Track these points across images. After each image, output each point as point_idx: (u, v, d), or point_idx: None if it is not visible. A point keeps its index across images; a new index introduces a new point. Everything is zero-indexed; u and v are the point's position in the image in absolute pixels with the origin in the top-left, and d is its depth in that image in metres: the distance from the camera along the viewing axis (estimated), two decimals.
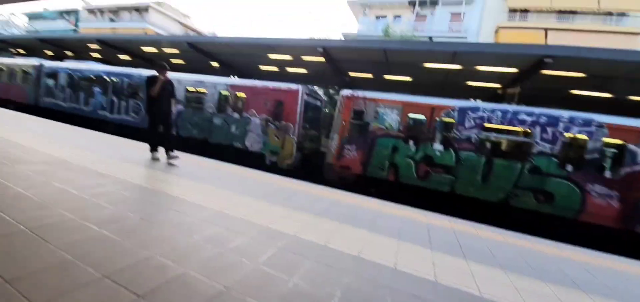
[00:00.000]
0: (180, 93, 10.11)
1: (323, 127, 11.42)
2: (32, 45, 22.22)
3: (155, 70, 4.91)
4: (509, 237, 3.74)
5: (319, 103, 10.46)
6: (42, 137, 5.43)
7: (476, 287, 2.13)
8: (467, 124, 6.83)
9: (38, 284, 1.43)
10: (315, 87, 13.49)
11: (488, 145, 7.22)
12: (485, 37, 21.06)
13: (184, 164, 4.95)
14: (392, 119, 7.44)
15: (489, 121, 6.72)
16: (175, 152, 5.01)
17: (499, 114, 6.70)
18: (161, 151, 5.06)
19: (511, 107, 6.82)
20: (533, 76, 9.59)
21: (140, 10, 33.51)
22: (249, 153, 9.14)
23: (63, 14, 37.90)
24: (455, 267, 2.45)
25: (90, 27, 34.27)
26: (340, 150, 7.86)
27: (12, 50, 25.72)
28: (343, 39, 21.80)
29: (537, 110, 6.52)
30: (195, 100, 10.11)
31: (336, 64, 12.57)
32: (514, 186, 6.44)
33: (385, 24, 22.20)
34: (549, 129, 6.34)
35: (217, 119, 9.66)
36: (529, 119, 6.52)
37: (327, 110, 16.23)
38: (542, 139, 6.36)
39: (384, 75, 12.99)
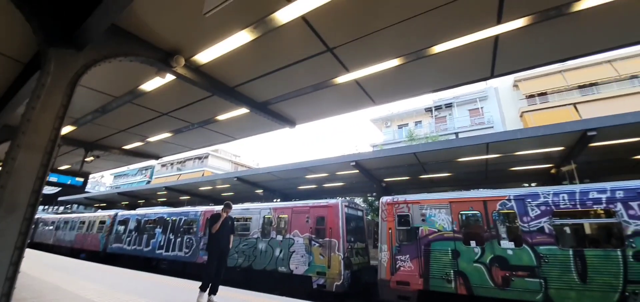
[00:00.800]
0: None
1: (369, 236, 10.74)
2: (113, 199, 26.19)
3: (223, 208, 5.22)
4: None
5: (360, 213, 10.17)
6: (107, 287, 5.63)
7: None
8: (532, 214, 5.96)
9: None
10: (355, 199, 13.44)
11: (567, 234, 6.05)
12: (511, 123, 20.92)
13: (226, 299, 4.65)
14: (442, 219, 6.79)
15: (556, 206, 5.83)
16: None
17: (566, 196, 5.84)
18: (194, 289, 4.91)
19: (578, 187, 5.98)
20: (583, 150, 8.79)
21: (201, 158, 39.85)
22: (294, 277, 8.52)
23: (141, 170, 45.85)
24: None
25: (161, 177, 40.58)
26: (393, 262, 7.02)
27: (96, 205, 30.41)
28: (371, 150, 22.96)
29: (608, 185, 5.62)
30: (240, 227, 10.39)
31: (369, 173, 12.84)
32: (626, 281, 4.96)
33: (409, 130, 23.45)
34: (635, 203, 5.28)
35: (261, 243, 9.60)
36: (603, 196, 5.58)
37: (369, 217, 15.65)
38: (629, 216, 5.25)
39: (420, 175, 12.80)
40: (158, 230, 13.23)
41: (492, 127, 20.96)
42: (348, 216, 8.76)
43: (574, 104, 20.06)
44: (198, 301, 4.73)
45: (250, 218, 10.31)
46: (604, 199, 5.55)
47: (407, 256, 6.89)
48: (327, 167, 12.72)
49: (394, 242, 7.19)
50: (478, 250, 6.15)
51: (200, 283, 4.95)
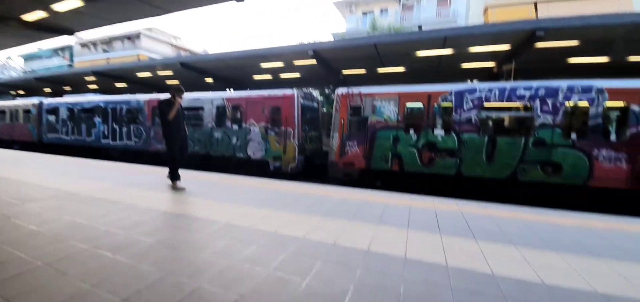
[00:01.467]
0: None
1: (323, 127, 11.46)
2: (31, 86, 22.54)
3: (171, 93, 4.68)
4: (519, 212, 3.74)
5: (315, 104, 10.49)
6: (49, 173, 5.52)
7: (488, 267, 2.14)
8: (466, 106, 6.81)
9: None
10: (311, 90, 13.52)
11: (489, 125, 7.20)
12: (475, 19, 20.96)
13: (190, 181, 4.99)
14: (390, 110, 7.44)
15: (487, 100, 6.70)
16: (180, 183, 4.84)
17: (497, 92, 6.67)
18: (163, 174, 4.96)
19: (508, 84, 6.79)
20: (527, 51, 9.55)
21: (132, 38, 33.82)
22: (253, 162, 9.20)
23: (57, 51, 38.36)
24: (466, 249, 2.46)
25: (85, 60, 34.64)
26: (342, 147, 7.88)
27: (12, 92, 26.11)
28: (332, 40, 21.84)
29: (534, 83, 6.48)
30: (193, 117, 10.19)
31: (328, 64, 12.61)
32: (520, 161, 6.40)
33: (372, 19, 22.21)
34: (549, 101, 6.30)
35: (218, 132, 9.74)
36: (527, 93, 6.49)
37: (325, 110, 16.27)
38: (542, 111, 6.33)
39: (377, 69, 13.01)
40: (98, 119, 12.40)
41: (455, 21, 20.85)
42: (303, 107, 9.03)
43: (535, 3, 20.32)
44: (176, 187, 4.55)
45: (202, 108, 10.05)
46: (527, 95, 6.46)
47: (355, 142, 7.74)
48: (284, 56, 12.09)
49: (345, 130, 7.88)
50: (415, 137, 7.13)
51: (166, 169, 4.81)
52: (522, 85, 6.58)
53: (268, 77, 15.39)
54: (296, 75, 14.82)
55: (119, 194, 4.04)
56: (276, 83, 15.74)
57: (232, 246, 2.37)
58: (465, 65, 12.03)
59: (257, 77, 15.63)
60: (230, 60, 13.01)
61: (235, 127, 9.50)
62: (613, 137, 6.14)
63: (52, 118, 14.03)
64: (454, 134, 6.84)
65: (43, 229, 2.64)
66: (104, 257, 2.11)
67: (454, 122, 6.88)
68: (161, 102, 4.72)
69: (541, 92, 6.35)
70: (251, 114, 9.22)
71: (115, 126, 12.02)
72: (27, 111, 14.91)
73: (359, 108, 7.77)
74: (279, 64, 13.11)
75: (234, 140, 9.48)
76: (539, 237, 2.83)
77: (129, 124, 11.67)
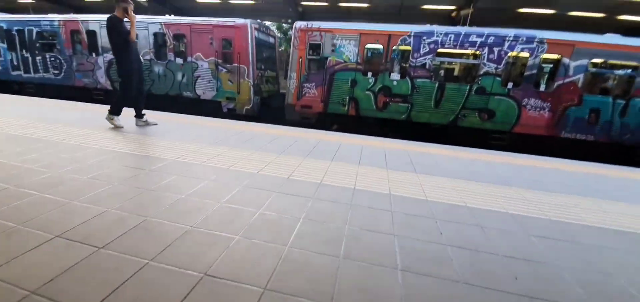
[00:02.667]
0: (102, 38, 8.73)
1: (281, 67, 10.96)
2: None
3: (119, 8, 3.84)
4: (457, 152, 4.25)
5: (272, 40, 9.83)
6: None
7: (423, 194, 2.47)
8: (422, 51, 7.03)
9: None
10: (267, 23, 12.59)
11: (441, 71, 7.62)
12: None
13: (128, 118, 4.52)
14: (350, 51, 7.35)
15: (443, 46, 6.98)
16: (147, 113, 4.40)
17: (452, 37, 6.95)
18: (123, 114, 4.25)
19: (464, 29, 7.08)
20: None
21: None
22: (203, 102, 8.60)
23: None
24: (407, 180, 2.78)
25: None
26: (300, 89, 7.74)
27: None
28: None
29: (487, 30, 6.86)
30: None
31: None
32: (462, 108, 7.06)
33: None
34: (496, 49, 6.80)
35: (158, 66, 8.69)
36: (478, 40, 6.88)
37: (282, 49, 15.43)
38: (489, 59, 6.85)
39: (340, 3, 12.41)
40: (2, 46, 10.02)
41: None
42: (258, 41, 8.40)
43: None
44: (114, 124, 4.01)
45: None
46: (478, 42, 6.85)
47: (313, 84, 7.64)
48: None
49: (303, 71, 7.66)
50: (372, 80, 7.28)
51: (107, 107, 4.17)
52: (476, 32, 6.93)
53: (216, 1, 13.69)
54: (250, 2, 13.43)
55: (40, 130, 3.53)
56: (227, 10, 14.15)
57: (181, 181, 2.33)
58: (427, 7, 12.11)
59: (201, 0, 13.78)
60: None
61: (180, 61, 8.53)
62: (542, 88, 7.04)
63: None
64: (408, 80, 7.14)
65: None
66: (30, 196, 1.92)
67: (410, 67, 7.12)
68: (110, 20, 3.84)
69: (490, 40, 6.80)
70: (197, 46, 8.29)
71: (25, 54, 9.89)
72: None
73: (319, 46, 7.51)
74: None
75: (179, 76, 8.60)
76: (469, 170, 3.31)
77: (43, 51, 9.68)
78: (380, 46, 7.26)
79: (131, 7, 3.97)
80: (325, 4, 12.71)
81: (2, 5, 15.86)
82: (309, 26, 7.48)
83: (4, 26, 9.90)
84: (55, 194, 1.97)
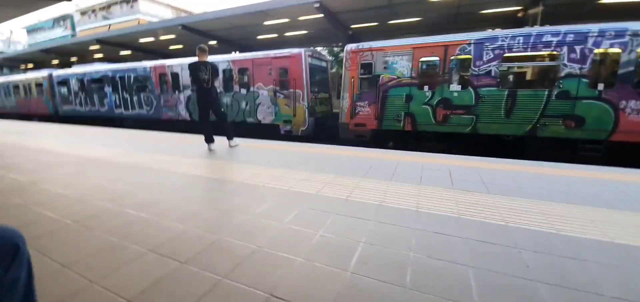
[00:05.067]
0: (183, 78, 10.19)
1: (333, 88, 11.24)
2: (38, 58, 22.82)
3: (199, 53, 4.72)
4: (539, 167, 3.68)
5: (324, 64, 10.20)
6: (68, 141, 5.78)
7: (501, 218, 2.16)
8: (485, 58, 6.44)
9: (92, 264, 1.62)
10: (319, 49, 13.08)
11: (510, 77, 6.84)
12: None
13: (200, 144, 5.11)
14: (403, 66, 7.15)
15: (509, 50, 6.29)
16: (236, 140, 5.13)
17: (521, 39, 6.22)
18: (219, 141, 5.07)
19: (535, 30, 6.30)
20: None
21: (129, 1, 32.95)
22: (263, 126, 9.27)
23: (58, 20, 38.09)
24: (479, 202, 2.48)
25: (87, 29, 34.37)
26: (353, 108, 7.77)
27: (22, 66, 26.61)
28: None
29: (564, 28, 5.98)
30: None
31: (336, 18, 12.01)
32: (541, 116, 6.15)
33: None
34: (578, 48, 5.85)
35: (226, 98, 9.74)
36: (555, 39, 6.02)
37: (334, 70, 15.84)
38: (570, 59, 5.91)
39: (389, 21, 12.30)
40: (108, 89, 12.55)
41: None
42: (312, 67, 8.80)
43: None
44: (209, 149, 4.88)
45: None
46: (554, 42, 6.00)
47: (366, 101, 7.59)
48: (287, 10, 11.57)
49: (355, 90, 7.70)
50: (429, 94, 6.90)
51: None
52: (549, 31, 6.10)
53: (273, 35, 14.92)
54: (302, 32, 14.28)
55: (138, 158, 4.22)
56: (282, 42, 15.28)
57: (247, 202, 2.49)
58: (487, 12, 11.18)
59: (261, 37, 15.19)
60: (232, 17, 12.60)
61: (244, 91, 9.44)
62: None
63: (64, 90, 14.28)
64: (471, 89, 6.56)
65: (68, 191, 2.83)
66: (128, 215, 2.27)
67: (472, 76, 6.56)
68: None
69: (569, 38, 5.88)
70: (258, 76, 9.09)
71: (125, 95, 12.17)
72: (39, 84, 15.21)
73: (370, 65, 7.50)
74: (284, 21, 12.61)
75: (243, 105, 9.49)
76: (557, 189, 2.81)
77: (138, 92, 11.78)
78: (436, 58, 6.90)
79: (201, 55, 4.73)
80: (374, 24, 12.74)
81: (107, 56, 19.93)
82: (360, 47, 7.56)
83: (109, 74, 12.38)
84: (149, 214, 2.28)
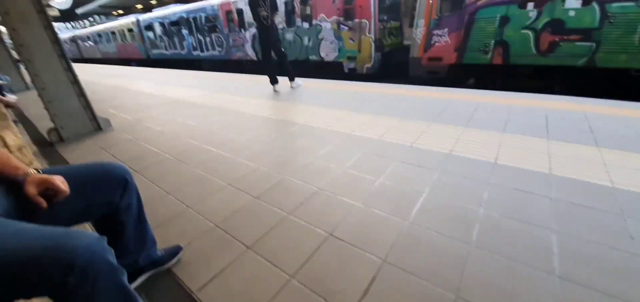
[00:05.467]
0: (247, 15, 10.37)
1: (405, 14, 10.05)
2: (126, 3, 26.04)
3: None
4: None
5: None
6: (158, 84, 6.83)
7: (608, 178, 1.82)
8: None
9: (186, 193, 2.04)
10: None
11: None
12: None
13: (266, 85, 5.41)
14: None
15: None
16: (298, 80, 5.31)
17: None
18: (282, 81, 5.26)
19: None
20: None
21: None
22: (327, 63, 9.13)
23: None
24: (582, 156, 2.10)
25: None
26: (428, 38, 6.89)
27: (114, 13, 30.96)
28: None
29: None
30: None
31: None
32: None
33: None
34: None
35: (288, 34, 9.72)
36: None
37: None
38: None
39: None
40: (185, 31, 13.73)
41: None
42: None
43: None
44: (274, 90, 5.15)
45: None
46: None
47: (446, 30, 6.61)
48: None
49: (433, 15, 6.72)
50: (534, 14, 5.57)
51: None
52: None
53: None
54: None
55: (214, 100, 4.78)
56: None
57: (309, 145, 2.65)
58: None
59: None
60: None
61: (306, 25, 9.22)
62: None
63: (150, 34, 16.28)
64: (595, 6, 5.02)
65: (164, 129, 3.45)
66: (210, 151, 2.68)
67: None
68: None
69: None
70: (321, 6, 8.65)
71: (199, 36, 13.19)
72: (130, 30, 17.59)
73: None
74: None
75: (306, 40, 9.36)
76: None
77: (210, 33, 12.59)
78: None
79: None
80: None
81: None
82: None
83: (185, 16, 13.37)
84: (226, 151, 2.66)
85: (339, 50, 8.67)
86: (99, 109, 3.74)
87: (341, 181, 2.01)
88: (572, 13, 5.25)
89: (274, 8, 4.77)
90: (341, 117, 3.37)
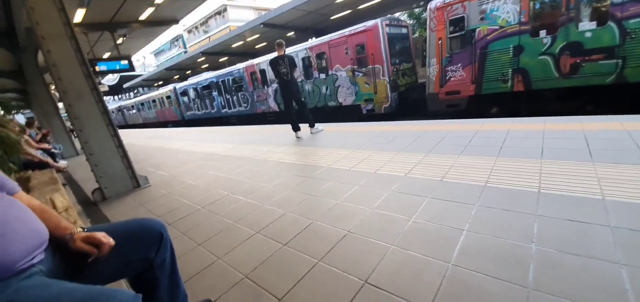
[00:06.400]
0: (269, 73, 11.14)
1: (417, 55, 10.29)
2: (163, 76, 29.05)
3: (277, 48, 5.02)
4: None
5: (404, 30, 9.36)
6: (193, 141, 7.23)
7: None
8: None
9: (217, 243, 2.00)
10: (397, 15, 12.13)
11: None
12: None
13: (289, 133, 5.53)
14: (507, 11, 5.86)
15: None
16: (319, 126, 5.48)
17: None
18: (303, 128, 5.38)
19: None
20: None
21: (221, 12, 37.96)
22: (345, 108, 9.34)
23: (173, 41, 47.32)
24: (635, 177, 1.85)
25: (193, 44, 41.58)
26: (442, 74, 6.92)
27: (155, 84, 34.51)
28: None
29: None
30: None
31: None
32: None
33: None
34: None
35: (307, 85, 10.20)
36: None
37: (416, 35, 14.44)
38: None
39: None
40: (214, 93, 14.95)
41: None
42: (390, 36, 8.23)
43: None
44: (297, 137, 5.24)
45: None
46: None
47: (459, 65, 6.63)
48: None
49: (444, 53, 6.81)
50: (547, 40, 5.47)
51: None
52: None
53: (346, 12, 14.62)
54: (377, 0, 13.47)
55: (242, 151, 4.93)
56: (356, 17, 14.81)
57: (335, 187, 2.57)
58: None
59: (335, 17, 15.11)
60: (305, 4, 12.90)
61: (322, 76, 9.66)
62: None
63: (185, 99, 17.90)
64: (613, 25, 4.84)
65: (197, 182, 3.55)
66: (239, 200, 2.68)
67: (613, 6, 4.82)
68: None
69: None
70: (336, 58, 9.10)
71: (227, 96, 14.30)
72: (168, 97, 19.47)
73: (462, 19, 6.44)
74: None
75: (324, 89, 9.74)
76: None
77: (236, 92, 13.63)
78: None
79: (279, 49, 5.03)
80: None
81: (211, 65, 23.63)
82: (447, 1, 6.57)
83: (214, 80, 14.67)
84: (253, 199, 2.64)
85: (356, 94, 8.89)
86: (139, 168, 3.97)
87: (371, 222, 1.89)
88: (588, 34, 5.09)
89: (293, 65, 5.12)
90: (364, 157, 3.31)
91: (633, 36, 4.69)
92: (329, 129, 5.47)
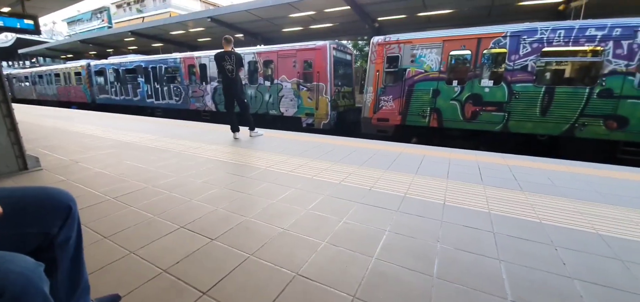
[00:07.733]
0: (212, 69, 10.52)
1: (356, 82, 11.13)
2: (77, 49, 24.49)
3: (224, 43, 4.81)
4: (573, 167, 3.45)
5: (349, 57, 10.11)
6: (105, 127, 6.20)
7: (535, 215, 2.07)
8: (522, 52, 6.08)
9: (131, 236, 1.75)
10: (344, 42, 12.99)
11: (547, 73, 6.43)
12: None
13: (225, 132, 5.28)
14: (431, 59, 6.92)
15: (549, 44, 5.90)
16: (258, 130, 5.26)
17: (562, 33, 5.81)
18: (242, 130, 5.17)
19: (577, 23, 5.85)
20: None
21: None
22: (285, 118, 9.38)
23: (95, 13, 40.66)
24: (512, 198, 2.38)
25: (122, 20, 36.44)
26: (377, 102, 7.66)
27: (62, 56, 28.70)
28: None
29: (610, 21, 5.51)
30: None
31: (363, 10, 11.84)
32: (579, 116, 5.74)
33: None
34: (625, 43, 5.38)
35: (250, 89, 9.94)
36: (599, 33, 5.57)
37: (358, 64, 15.64)
38: (615, 55, 5.45)
39: (418, 13, 11.93)
40: (141, 79, 13.22)
41: None
42: (336, 60, 8.76)
43: None
44: (235, 137, 5.02)
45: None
46: (598, 36, 5.56)
47: (391, 96, 7.45)
48: (314, 2, 11.55)
49: (380, 84, 7.57)
50: (458, 89, 6.64)
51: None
52: (594, 24, 5.64)
53: (298, 28, 15.00)
54: (328, 25, 14.23)
55: (167, 144, 4.45)
56: (306, 35, 15.32)
57: (272, 188, 2.55)
58: (525, 3, 10.52)
59: (286, 30, 15.33)
60: (259, 10, 12.78)
61: (268, 83, 9.59)
62: None
63: (100, 79, 15.27)
64: (504, 85, 6.23)
65: (107, 171, 3.05)
66: (161, 194, 2.41)
67: (506, 71, 6.23)
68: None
69: (617, 32, 5.41)
70: (283, 69, 9.18)
71: (156, 86, 12.78)
72: (77, 73, 16.33)
73: (397, 58, 7.33)
74: (310, 13, 12.62)
75: (267, 97, 9.64)
76: (595, 190, 2.62)
77: (168, 83, 12.31)
78: (467, 52, 6.61)
79: (226, 45, 4.83)
80: (402, 16, 12.41)
81: (140, 48, 21.02)
82: (387, 40, 7.41)
83: (142, 65, 13.03)
84: (179, 194, 2.41)
85: (298, 106, 9.06)
86: (29, 148, 3.20)
87: (305, 222, 1.94)
88: (487, 89, 6.39)
89: (240, 64, 4.95)
90: (302, 164, 3.38)
91: (518, 96, 6.09)
92: (268, 135, 5.41)
